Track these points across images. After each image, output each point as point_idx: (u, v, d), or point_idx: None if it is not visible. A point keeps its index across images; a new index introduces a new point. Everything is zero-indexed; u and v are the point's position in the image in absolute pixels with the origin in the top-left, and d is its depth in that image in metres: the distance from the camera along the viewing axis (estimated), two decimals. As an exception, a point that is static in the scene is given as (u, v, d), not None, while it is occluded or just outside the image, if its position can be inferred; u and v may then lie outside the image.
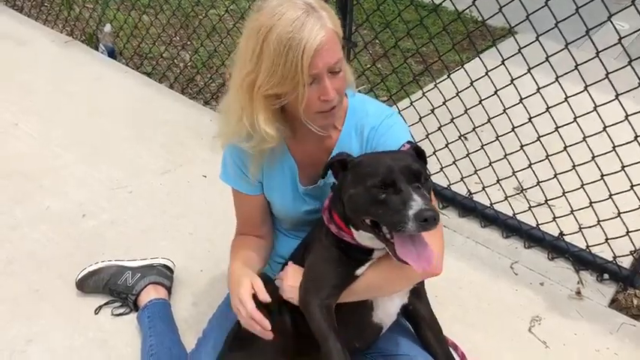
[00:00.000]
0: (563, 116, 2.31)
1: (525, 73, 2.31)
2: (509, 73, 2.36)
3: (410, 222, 1.25)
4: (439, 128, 2.67)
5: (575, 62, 2.16)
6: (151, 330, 2.00)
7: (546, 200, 2.47)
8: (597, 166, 2.26)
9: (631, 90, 2.02)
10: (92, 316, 2.15)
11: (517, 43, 2.31)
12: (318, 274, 1.55)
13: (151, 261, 2.26)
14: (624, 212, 2.26)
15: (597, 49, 2.08)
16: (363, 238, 1.47)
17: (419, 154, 1.47)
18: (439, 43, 2.77)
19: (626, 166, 2.18)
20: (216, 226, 2.54)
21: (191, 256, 2.41)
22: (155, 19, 3.94)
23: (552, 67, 2.22)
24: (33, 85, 3.61)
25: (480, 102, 2.50)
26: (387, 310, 1.64)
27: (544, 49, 2.22)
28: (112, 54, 4.03)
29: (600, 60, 2.09)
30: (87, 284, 2.20)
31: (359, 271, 1.53)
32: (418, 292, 1.68)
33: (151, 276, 2.18)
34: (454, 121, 2.63)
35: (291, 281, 1.60)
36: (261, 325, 1.48)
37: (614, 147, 2.17)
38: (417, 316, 1.70)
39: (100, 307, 2.18)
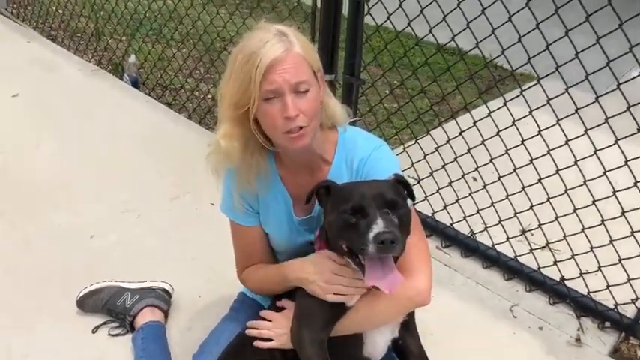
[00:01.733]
0: (566, 159, 2.31)
1: (527, 115, 2.33)
2: (533, 120, 2.37)
3: (370, 244, 1.31)
4: (443, 167, 2.69)
5: (576, 105, 2.17)
6: (143, 351, 2.03)
7: (547, 243, 2.46)
8: (598, 211, 2.25)
9: (631, 135, 2.02)
10: (90, 334, 2.19)
11: (543, 90, 2.33)
12: (309, 308, 1.57)
13: (151, 284, 2.30)
14: (625, 259, 2.23)
15: (597, 94, 2.10)
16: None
17: (402, 185, 1.51)
18: (452, 85, 2.87)
19: (627, 211, 2.16)
20: (218, 253, 2.54)
21: (191, 281, 2.44)
22: (177, 52, 4.08)
23: (554, 111, 2.24)
24: (57, 109, 3.76)
25: (483, 142, 2.51)
26: (377, 344, 1.64)
27: (545, 92, 2.25)
28: (135, 84, 4.17)
29: (600, 104, 2.11)
30: (87, 303, 2.25)
31: (350, 302, 1.54)
32: (408, 326, 1.69)
33: (149, 298, 2.22)
34: (459, 160, 2.64)
35: (280, 329, 1.63)
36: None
37: (614, 192, 2.16)
38: (407, 350, 1.69)
39: (98, 326, 2.21)
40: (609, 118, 2.05)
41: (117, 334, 2.18)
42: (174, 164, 3.25)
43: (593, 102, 2.12)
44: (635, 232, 2.16)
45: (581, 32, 2.01)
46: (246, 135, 1.56)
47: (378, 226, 1.32)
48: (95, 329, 2.20)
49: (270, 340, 1.63)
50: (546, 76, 2.25)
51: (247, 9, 3.77)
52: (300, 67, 1.46)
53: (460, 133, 2.58)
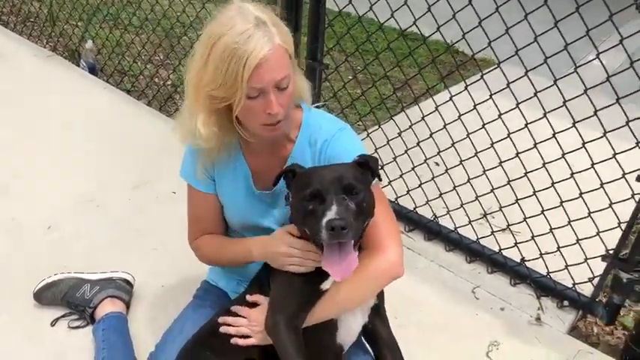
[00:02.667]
0: (526, 142, 2.35)
1: (487, 100, 2.35)
2: (477, 101, 2.41)
3: (322, 230, 1.33)
4: (406, 152, 2.70)
5: (535, 89, 2.20)
6: (104, 343, 1.99)
7: (508, 225, 2.50)
8: (557, 193, 2.29)
9: (588, 118, 2.06)
10: (49, 328, 2.13)
11: (503, 74, 2.36)
12: (283, 294, 1.57)
13: (111, 274, 2.25)
14: (582, 239, 2.28)
15: (555, 78, 2.13)
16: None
17: (364, 165, 1.50)
18: (415, 70, 2.88)
19: (584, 193, 2.21)
20: (181, 242, 2.49)
21: (153, 271, 2.40)
22: (136, 37, 3.98)
23: (514, 95, 2.26)
24: (10, 96, 3.63)
25: (445, 126, 2.53)
26: (350, 330, 1.64)
27: (506, 76, 2.27)
28: (93, 70, 4.06)
29: (558, 88, 2.14)
30: (44, 296, 2.19)
31: (325, 285, 1.54)
32: (378, 312, 1.69)
33: (109, 289, 2.17)
34: (422, 145, 2.66)
35: (257, 326, 1.60)
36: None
37: (572, 174, 2.21)
38: (377, 336, 1.70)
39: (57, 319, 2.16)
40: (567, 101, 2.08)
41: (77, 327, 2.14)
42: (134, 152, 3.18)
43: (551, 85, 2.15)
44: (593, 212, 2.21)
45: (543, 19, 2.04)
46: (221, 119, 1.55)
47: (331, 213, 1.32)
48: (54, 322, 2.15)
49: (248, 337, 1.60)
50: (505, 60, 2.27)
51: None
52: (283, 61, 1.44)
53: (422, 118, 2.59)
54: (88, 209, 2.75)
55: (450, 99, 2.44)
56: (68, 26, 4.45)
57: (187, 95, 1.55)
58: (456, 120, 2.49)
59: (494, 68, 2.32)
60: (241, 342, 1.59)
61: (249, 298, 1.67)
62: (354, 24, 2.71)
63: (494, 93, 2.29)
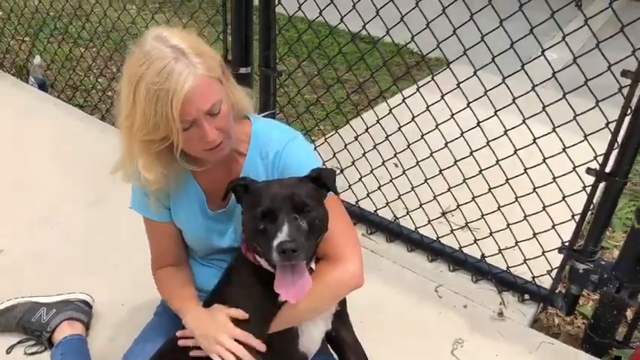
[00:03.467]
0: (481, 141, 2.38)
1: (438, 101, 2.38)
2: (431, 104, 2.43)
3: (274, 253, 1.30)
4: (363, 155, 2.71)
5: (485, 88, 2.24)
6: (64, 367, 1.93)
7: (467, 223, 2.53)
8: (512, 189, 2.33)
9: (538, 113, 2.11)
10: (4, 356, 2.06)
11: (453, 74, 2.38)
12: (243, 308, 1.53)
13: (68, 296, 2.19)
14: (539, 233, 2.33)
15: (504, 76, 2.17)
16: (265, 264, 1.48)
17: (318, 180, 1.47)
18: (376, 74, 2.91)
19: (538, 187, 2.26)
20: (141, 258, 2.45)
21: (114, 288, 2.35)
22: (86, 51, 3.89)
23: (464, 94, 2.29)
24: (-45, 118, 3.51)
25: (400, 128, 2.55)
26: (312, 338, 1.63)
27: (455, 77, 2.30)
28: (42, 86, 3.96)
29: (507, 86, 2.18)
30: (-2, 322, 2.12)
31: (281, 298, 1.51)
32: (341, 317, 1.68)
33: (66, 312, 2.11)
34: (379, 148, 2.67)
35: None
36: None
37: (525, 170, 2.25)
38: (341, 342, 1.70)
39: (13, 346, 2.09)
40: (516, 98, 2.12)
41: (34, 353, 2.07)
42: (89, 168, 3.11)
43: (500, 84, 2.18)
44: (547, 206, 2.26)
45: (495, 18, 2.09)
46: (163, 157, 1.50)
47: (282, 234, 1.30)
48: (10, 349, 2.08)
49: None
50: (455, 60, 2.31)
51: (157, 3, 3.64)
52: (209, 90, 1.40)
53: (377, 121, 2.60)
54: (43, 230, 2.67)
55: (403, 101, 2.46)
56: (14, 42, 4.33)
57: (122, 138, 1.49)
58: (409, 122, 2.51)
59: (444, 69, 2.35)
60: (199, 353, 1.57)
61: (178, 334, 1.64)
62: (305, 30, 2.71)
63: (446, 93, 2.32)
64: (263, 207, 1.36)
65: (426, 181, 2.56)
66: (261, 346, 1.49)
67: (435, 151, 2.49)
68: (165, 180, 1.54)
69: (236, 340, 1.48)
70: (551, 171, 2.20)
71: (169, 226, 1.73)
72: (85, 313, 2.16)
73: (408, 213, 2.64)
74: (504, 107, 2.19)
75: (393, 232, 2.69)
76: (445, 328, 2.29)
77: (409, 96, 2.46)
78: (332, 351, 1.76)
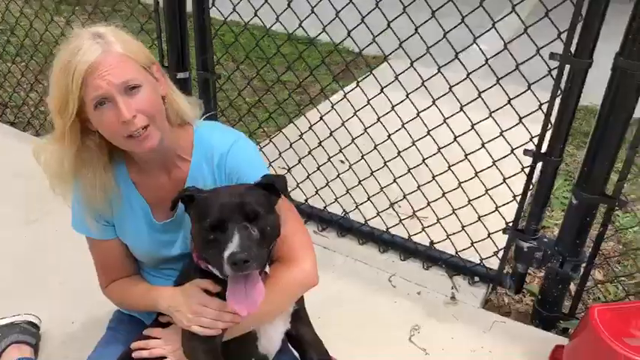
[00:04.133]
0: (419, 130, 2.43)
1: (379, 94, 2.42)
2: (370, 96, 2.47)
3: (225, 265, 1.27)
4: (309, 153, 2.73)
5: (422, 79, 2.29)
6: (14, 393, 1.85)
7: (414, 212, 2.58)
8: (455, 176, 2.39)
9: (474, 100, 2.18)
10: (-51, 387, 1.96)
11: (391, 68, 2.42)
12: None
13: (13, 319, 2.11)
14: (484, 216, 2.40)
15: (439, 65, 2.23)
16: (218, 273, 1.45)
17: (268, 186, 1.46)
18: (316, 73, 2.93)
19: (479, 171, 2.33)
20: (88, 274, 2.39)
21: (61, 307, 2.27)
22: (13, 66, 3.74)
23: (403, 87, 2.34)
24: None
25: (343, 124, 2.58)
26: (271, 339, 1.63)
27: (393, 69, 2.35)
28: (-32, 105, 3.78)
29: (443, 75, 2.25)
30: (-61, 353, 2.01)
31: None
32: (300, 316, 1.68)
33: (12, 335, 2.03)
34: (325, 145, 2.69)
35: (172, 344, 1.56)
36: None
37: (466, 155, 2.32)
38: (301, 339, 1.69)
39: (-42, 375, 1.99)
40: (453, 86, 2.18)
41: (-18, 381, 1.98)
42: (26, 186, 2.99)
43: (436, 73, 2.24)
44: (489, 189, 2.34)
45: (427, 12, 2.15)
46: (82, 152, 1.48)
47: (233, 245, 1.27)
48: (-45, 379, 1.98)
49: (163, 358, 1.55)
50: (392, 53, 2.35)
51: (86, 13, 3.55)
52: (124, 65, 1.39)
53: (320, 118, 2.62)
54: (-20, 254, 2.56)
55: (344, 97, 2.49)
56: None
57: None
58: (351, 117, 2.54)
59: (382, 63, 2.39)
60: None
61: (162, 319, 1.63)
62: (241, 32, 2.71)
63: (385, 86, 2.37)
64: (212, 218, 1.33)
65: (372, 174, 2.60)
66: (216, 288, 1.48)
67: (379, 144, 2.54)
68: (69, 176, 1.51)
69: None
70: (490, 155, 2.27)
71: (113, 243, 1.70)
72: (32, 334, 2.08)
73: (357, 207, 2.67)
74: (442, 96, 2.25)
75: (343, 227, 2.72)
76: (401, 316, 2.33)
77: (349, 91, 2.49)
78: (292, 349, 1.76)
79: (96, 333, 1.93)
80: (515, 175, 2.26)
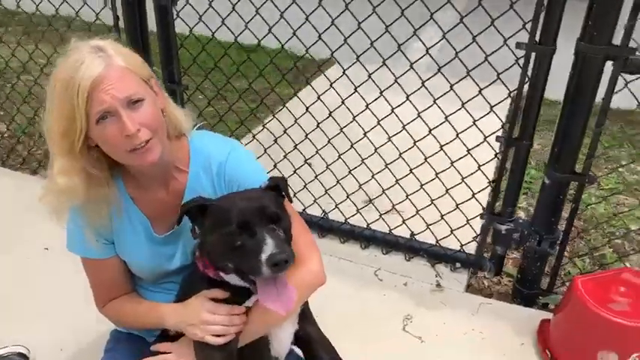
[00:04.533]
0: (395, 125, 2.51)
1: (352, 93, 2.48)
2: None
3: (263, 267, 1.28)
4: (285, 156, 2.75)
5: (370, 76, 2.37)
6: None
7: (393, 206, 2.65)
8: (431, 167, 2.48)
9: (447, 92, 2.27)
10: None
11: (342, 68, 2.49)
12: None
13: (1, 351, 2.02)
14: (461, 203, 2.49)
15: (384, 58, 2.31)
16: (235, 280, 1.46)
17: (275, 188, 1.48)
18: (270, 79, 2.99)
19: (455, 161, 2.42)
20: (69, 299, 2.34)
21: (47, 336, 2.20)
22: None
23: (354, 84, 2.42)
24: None
25: (318, 125, 2.62)
26: (282, 341, 1.63)
27: (343, 69, 2.41)
28: None
29: (389, 69, 2.36)
30: None
31: (248, 303, 1.51)
32: (306, 316, 1.69)
33: (2, 368, 1.96)
34: (300, 147, 2.73)
35: (186, 358, 1.54)
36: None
37: (441, 147, 2.40)
38: (308, 338, 1.70)
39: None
40: (425, 80, 2.27)
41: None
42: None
43: (405, 72, 2.35)
44: (465, 177, 2.43)
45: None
46: (85, 167, 1.45)
47: (269, 247, 1.27)
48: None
49: None
50: (336, 50, 2.44)
51: (40, 33, 3.44)
52: (126, 79, 1.38)
53: (295, 121, 2.66)
54: (-50, 289, 2.44)
55: (318, 98, 2.54)
56: None
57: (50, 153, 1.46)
58: (327, 118, 2.59)
59: (325, 61, 2.45)
60: None
61: (154, 348, 1.61)
62: (207, 42, 2.72)
63: (333, 82, 2.43)
64: (238, 221, 1.32)
65: (350, 172, 2.65)
66: (241, 314, 1.49)
67: (355, 142, 2.59)
68: (83, 192, 1.47)
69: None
70: (464, 144, 2.37)
71: (113, 262, 1.67)
72: (23, 365, 2.00)
73: (336, 206, 2.71)
74: (414, 92, 2.34)
75: (323, 227, 2.75)
76: (392, 307, 2.39)
77: (323, 93, 2.54)
78: (295, 348, 1.77)
79: (87, 356, 1.89)
80: (488, 162, 2.36)
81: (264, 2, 2.42)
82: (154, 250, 1.65)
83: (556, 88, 2.14)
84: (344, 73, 2.42)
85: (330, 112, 2.55)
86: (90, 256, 1.64)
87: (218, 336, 1.47)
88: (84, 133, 1.36)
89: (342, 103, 2.51)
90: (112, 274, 1.69)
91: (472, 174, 2.41)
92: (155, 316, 1.61)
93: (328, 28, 2.37)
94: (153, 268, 1.68)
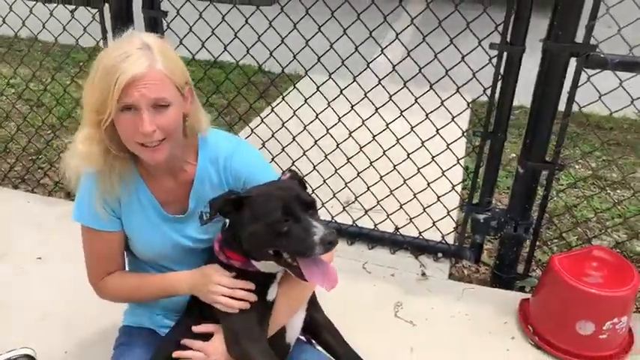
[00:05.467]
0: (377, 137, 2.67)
1: (326, 108, 2.63)
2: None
3: (317, 247, 1.38)
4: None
5: (341, 91, 2.58)
6: None
7: (378, 202, 2.80)
8: (413, 162, 2.64)
9: (411, 106, 2.45)
10: None
11: (313, 82, 2.64)
12: (239, 322, 1.57)
13: (8, 355, 2.04)
14: (442, 195, 2.67)
15: (354, 74, 2.48)
16: (267, 266, 1.55)
17: (298, 181, 1.59)
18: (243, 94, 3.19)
19: (436, 155, 2.60)
20: (66, 303, 2.38)
21: (49, 341, 2.21)
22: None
23: (325, 98, 2.59)
24: None
25: (294, 138, 2.75)
26: (295, 327, 1.71)
27: (314, 83, 2.57)
28: None
29: (359, 84, 2.56)
30: None
31: (270, 296, 1.60)
32: (313, 302, 1.78)
33: (12, 371, 1.97)
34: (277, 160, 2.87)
35: (217, 355, 1.59)
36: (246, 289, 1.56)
37: (422, 143, 2.58)
38: (316, 324, 1.78)
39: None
40: (388, 90, 2.48)
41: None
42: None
43: (352, 82, 2.59)
44: (446, 171, 2.61)
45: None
46: (105, 140, 1.53)
47: (320, 229, 1.37)
48: None
49: None
50: (308, 70, 2.65)
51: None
52: (161, 84, 1.46)
53: (273, 134, 2.82)
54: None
55: (293, 114, 2.75)
56: None
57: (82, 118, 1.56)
58: (302, 131, 2.76)
59: (304, 76, 2.63)
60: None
61: (196, 329, 1.64)
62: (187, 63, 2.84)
63: (326, 93, 2.58)
64: (282, 210, 1.41)
65: (336, 171, 2.79)
66: (250, 285, 1.57)
67: (341, 142, 2.74)
68: (100, 162, 1.56)
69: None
70: (444, 139, 2.55)
71: (118, 234, 1.72)
72: (32, 368, 2.03)
73: (323, 205, 2.83)
74: (384, 104, 2.56)
75: (311, 226, 2.87)
76: (383, 296, 2.52)
77: (299, 108, 2.68)
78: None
79: (92, 355, 1.93)
80: (466, 155, 2.55)
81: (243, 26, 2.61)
82: (162, 230, 1.71)
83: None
84: (317, 89, 2.62)
85: (305, 126, 2.72)
86: (95, 227, 1.68)
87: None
88: (112, 116, 1.45)
89: (317, 117, 2.66)
90: (112, 248, 1.73)
91: (452, 167, 2.59)
92: (166, 284, 1.68)
93: (302, 49, 2.57)
94: (160, 247, 1.73)
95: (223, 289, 1.56)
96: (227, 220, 1.63)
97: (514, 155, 3.61)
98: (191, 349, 1.62)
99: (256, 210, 1.47)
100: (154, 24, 2.63)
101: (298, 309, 1.70)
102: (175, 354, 1.62)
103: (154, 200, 1.69)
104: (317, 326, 1.79)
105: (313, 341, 1.83)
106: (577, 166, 3.77)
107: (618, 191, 3.58)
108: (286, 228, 1.41)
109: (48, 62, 4.13)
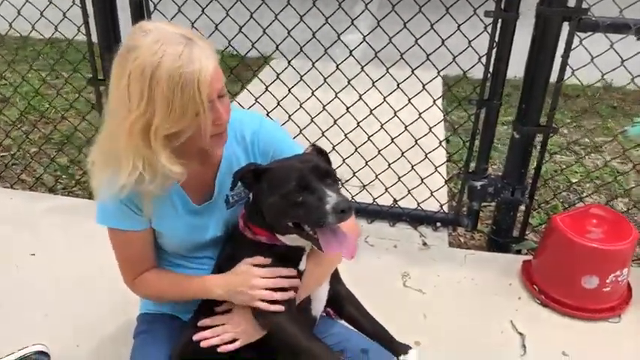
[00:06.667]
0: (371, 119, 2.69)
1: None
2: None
3: (329, 215, 1.35)
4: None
5: (313, 64, 2.55)
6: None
7: (377, 176, 2.82)
8: (410, 135, 2.68)
9: (395, 90, 2.47)
10: None
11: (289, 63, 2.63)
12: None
13: (21, 352, 1.98)
14: (439, 166, 2.71)
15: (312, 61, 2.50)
16: (292, 240, 1.54)
17: (322, 154, 1.58)
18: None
19: (433, 126, 2.64)
20: (69, 297, 2.32)
21: (58, 337, 2.14)
22: None
23: (305, 82, 2.58)
24: None
25: (290, 117, 2.74)
26: (321, 300, 1.71)
27: (292, 63, 2.57)
28: None
29: (316, 68, 2.52)
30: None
31: (302, 266, 1.59)
32: (335, 276, 1.78)
33: (27, 368, 1.92)
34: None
35: (240, 326, 1.59)
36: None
37: (419, 114, 2.61)
38: (338, 296, 1.78)
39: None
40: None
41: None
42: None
43: (312, 67, 2.64)
44: (442, 140, 2.65)
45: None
46: (168, 154, 1.45)
47: (333, 198, 1.34)
48: None
49: (234, 340, 1.57)
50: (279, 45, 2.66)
51: None
52: (220, 73, 1.42)
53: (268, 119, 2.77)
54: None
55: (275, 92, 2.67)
56: None
57: (125, 145, 1.41)
58: (297, 109, 2.77)
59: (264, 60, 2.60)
60: (228, 347, 1.58)
61: (219, 309, 1.64)
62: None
63: (273, 81, 2.58)
64: (297, 180, 1.40)
65: (333, 148, 2.80)
66: (292, 272, 1.56)
67: (337, 119, 2.75)
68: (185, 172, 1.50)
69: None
70: (441, 110, 2.59)
71: (148, 233, 1.67)
72: (47, 364, 1.97)
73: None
74: (377, 79, 2.54)
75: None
76: (389, 268, 2.56)
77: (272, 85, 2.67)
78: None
79: (104, 349, 1.93)
80: (463, 124, 2.59)
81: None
82: (190, 221, 1.68)
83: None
84: (289, 64, 2.65)
85: (301, 104, 2.70)
86: (123, 228, 1.64)
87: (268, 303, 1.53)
88: (207, 122, 1.39)
89: (302, 104, 2.65)
90: (142, 247, 1.69)
91: (450, 136, 2.63)
92: (202, 288, 1.64)
93: (270, 24, 2.59)
94: (189, 239, 1.71)
95: (267, 281, 1.53)
96: (250, 195, 1.62)
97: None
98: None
99: (273, 182, 1.47)
100: (139, 8, 2.55)
101: (326, 278, 1.70)
102: (196, 337, 1.60)
103: (180, 191, 1.65)
104: (340, 299, 1.79)
105: (336, 316, 1.83)
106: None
107: (592, 155, 3.72)
108: (300, 198, 1.40)
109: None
